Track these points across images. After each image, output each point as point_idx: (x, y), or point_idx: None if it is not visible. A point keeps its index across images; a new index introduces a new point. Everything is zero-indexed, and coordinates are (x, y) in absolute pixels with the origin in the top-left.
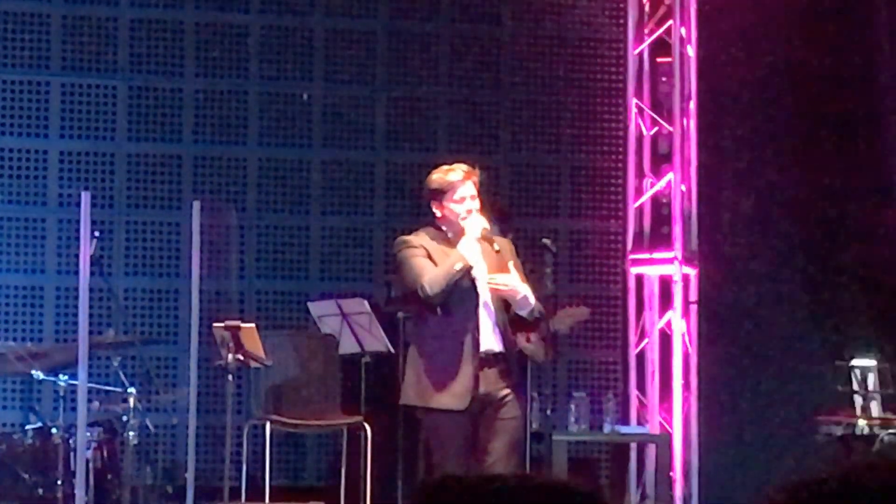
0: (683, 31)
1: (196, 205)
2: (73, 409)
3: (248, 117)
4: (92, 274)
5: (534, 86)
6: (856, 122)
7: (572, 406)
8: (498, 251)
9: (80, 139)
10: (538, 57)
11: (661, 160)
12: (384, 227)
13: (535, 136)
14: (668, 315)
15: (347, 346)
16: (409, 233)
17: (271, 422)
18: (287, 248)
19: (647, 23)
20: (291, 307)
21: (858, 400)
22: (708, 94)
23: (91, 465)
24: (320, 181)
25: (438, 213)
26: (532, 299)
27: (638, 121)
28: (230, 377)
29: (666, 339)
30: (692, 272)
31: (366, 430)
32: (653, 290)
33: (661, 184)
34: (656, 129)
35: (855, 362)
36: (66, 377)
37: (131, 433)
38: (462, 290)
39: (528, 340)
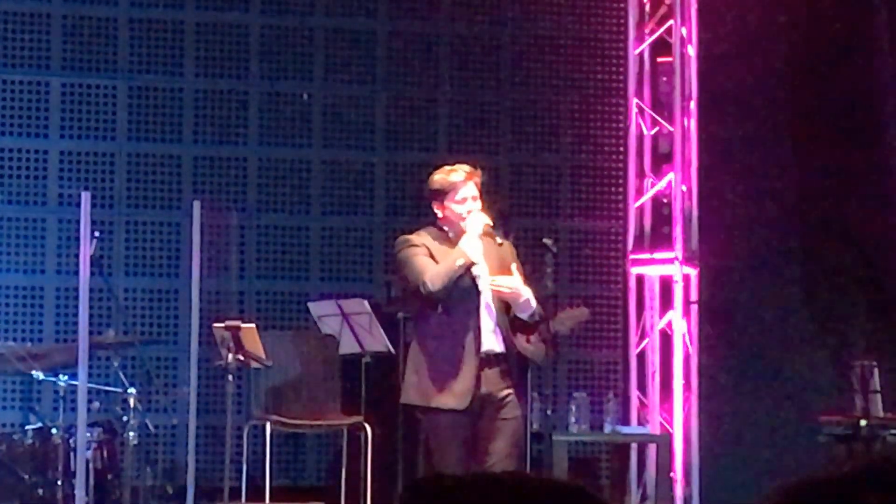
0: (684, 30)
1: (196, 205)
2: (73, 409)
3: (248, 117)
4: (92, 274)
5: (534, 86)
6: (856, 121)
7: (572, 406)
8: (501, 244)
9: (80, 139)
10: (538, 57)
11: (662, 160)
12: (384, 227)
13: (535, 136)
14: (669, 315)
15: (347, 346)
16: (410, 233)
17: (271, 422)
18: (287, 248)
19: (648, 22)
20: (291, 307)
21: (859, 399)
22: (708, 93)
23: (91, 465)
24: (320, 181)
25: (440, 214)
26: (533, 302)
27: (638, 121)
28: (230, 377)
29: (666, 339)
30: (693, 272)
31: (366, 430)
32: (653, 290)
33: (662, 184)
34: (657, 128)
35: (855, 362)
36: (66, 377)
37: (131, 433)
38: (463, 288)
39: (528, 341)
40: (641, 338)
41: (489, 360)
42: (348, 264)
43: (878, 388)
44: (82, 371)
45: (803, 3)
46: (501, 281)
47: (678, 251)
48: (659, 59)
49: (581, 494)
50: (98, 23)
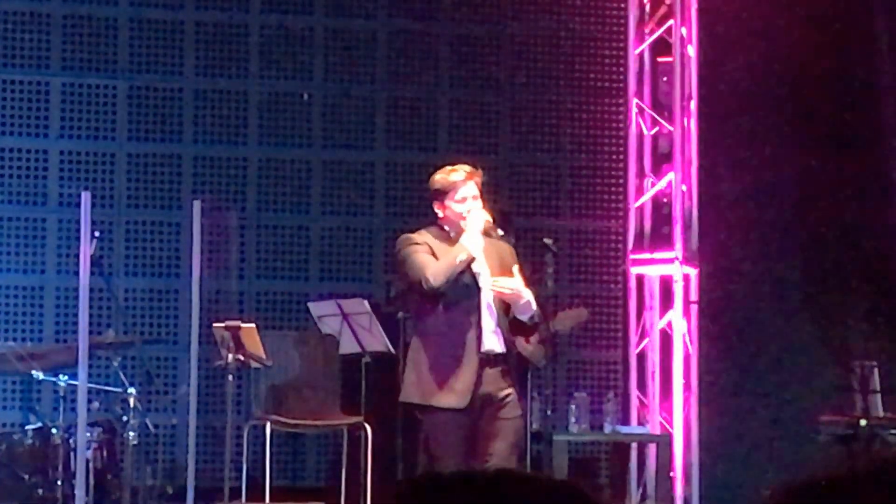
0: (684, 30)
1: (196, 205)
2: (73, 409)
3: (248, 117)
4: (92, 274)
5: (534, 86)
6: (856, 121)
7: (572, 406)
8: (502, 235)
9: (80, 139)
10: (538, 57)
11: (662, 160)
12: (384, 227)
13: (535, 136)
14: (669, 315)
15: (347, 346)
16: (411, 232)
17: (271, 422)
18: (287, 248)
19: (648, 22)
20: (291, 307)
21: (859, 400)
22: (708, 93)
23: (91, 465)
24: (320, 181)
25: (440, 214)
26: (534, 305)
27: (638, 120)
28: (230, 377)
29: (666, 339)
30: (693, 272)
31: (366, 430)
32: (653, 290)
33: (662, 184)
34: (657, 128)
35: (855, 362)
36: (66, 377)
37: (131, 433)
38: (463, 285)
39: (527, 342)
40: (641, 338)
41: (489, 359)
42: (348, 264)
43: (878, 388)
44: (82, 371)
45: (803, 3)
46: (503, 282)
47: (678, 251)
48: (659, 59)
49: (573, 492)
50: (98, 23)
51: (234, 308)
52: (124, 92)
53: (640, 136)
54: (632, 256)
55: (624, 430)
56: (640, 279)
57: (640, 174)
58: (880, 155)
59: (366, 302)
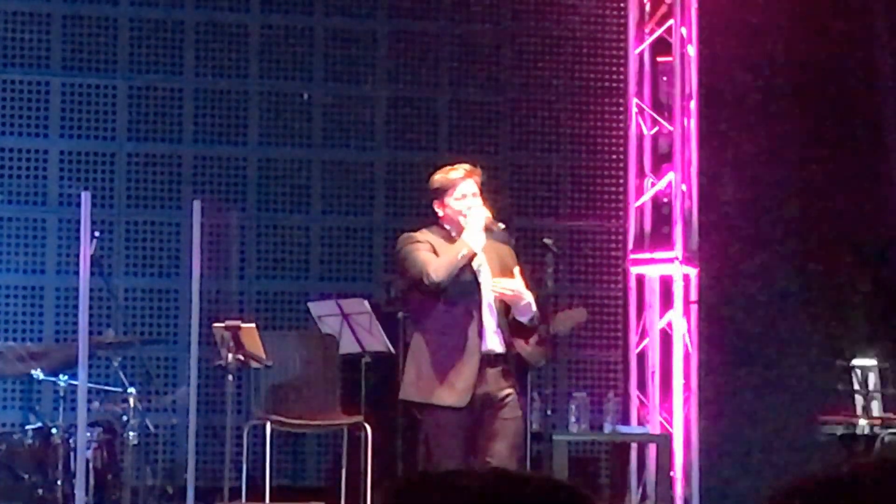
0: (684, 30)
1: (196, 205)
2: (73, 409)
3: (248, 117)
4: (92, 274)
5: (534, 86)
6: (856, 121)
7: (572, 406)
8: (504, 230)
9: (80, 139)
10: (538, 57)
11: (662, 160)
12: (384, 227)
13: (535, 136)
14: (669, 315)
15: (347, 346)
16: (412, 232)
17: (271, 422)
18: (287, 248)
19: (648, 22)
20: (291, 307)
21: (859, 400)
22: (708, 93)
23: (91, 465)
24: (320, 181)
25: (441, 213)
26: (534, 307)
27: (638, 120)
28: (230, 377)
29: (666, 338)
30: (693, 272)
31: (366, 430)
32: (653, 290)
33: (662, 184)
34: (657, 128)
35: (855, 362)
36: (66, 377)
37: (131, 433)
38: (464, 285)
39: (526, 343)
40: (641, 337)
41: (490, 359)
42: (348, 264)
43: (878, 388)
44: (82, 371)
45: (803, 2)
46: (504, 283)
47: (678, 251)
48: (659, 59)
49: (567, 492)
50: (98, 23)
51: (234, 308)
52: (124, 92)
53: (640, 136)
54: (632, 256)
55: (624, 430)
56: (640, 279)
57: (640, 174)
58: (880, 154)
59: (366, 302)
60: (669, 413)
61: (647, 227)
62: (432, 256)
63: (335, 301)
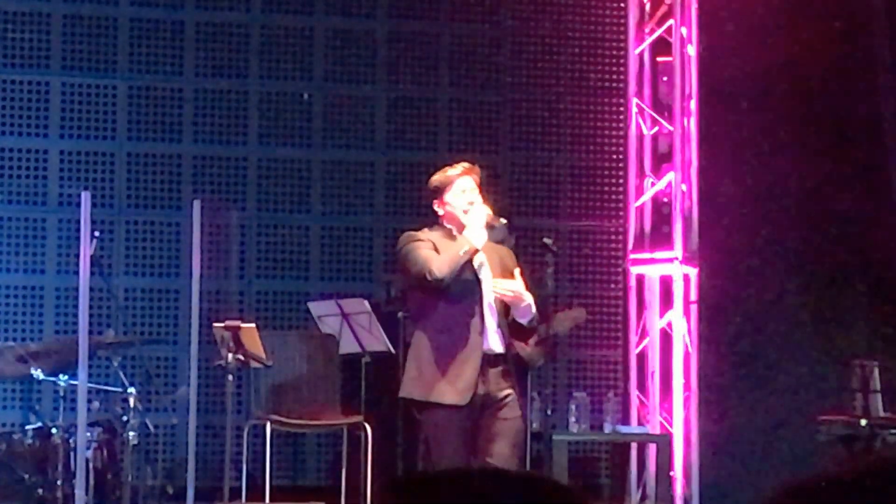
0: (684, 30)
1: (196, 205)
2: (73, 409)
3: (248, 117)
4: (92, 274)
5: (534, 86)
6: (856, 121)
7: (572, 406)
8: (506, 224)
9: (80, 139)
10: (538, 57)
11: (662, 160)
12: (384, 227)
13: (535, 136)
14: (669, 315)
15: (347, 346)
16: (414, 231)
17: (271, 422)
18: (287, 248)
19: (648, 22)
20: (291, 307)
21: (859, 399)
22: (709, 93)
23: (91, 465)
24: (320, 181)
25: (441, 211)
26: (534, 309)
27: (638, 120)
28: (230, 377)
29: (666, 338)
30: (693, 272)
31: (366, 430)
32: (653, 290)
33: (662, 183)
34: (657, 128)
35: (855, 362)
36: (66, 377)
37: (131, 433)
38: (466, 284)
39: (525, 344)
40: (641, 337)
41: (490, 359)
42: (348, 264)
43: (878, 388)
44: (82, 371)
45: (803, 2)
46: (505, 284)
47: (678, 251)
48: (659, 59)
49: (558, 491)
50: (98, 23)
51: (234, 308)
52: (124, 92)
53: (640, 136)
54: (632, 256)
55: (624, 430)
56: (640, 279)
57: (640, 174)
58: (880, 154)
59: (366, 302)
60: (669, 413)
61: (647, 227)
62: (434, 254)
63: (335, 301)
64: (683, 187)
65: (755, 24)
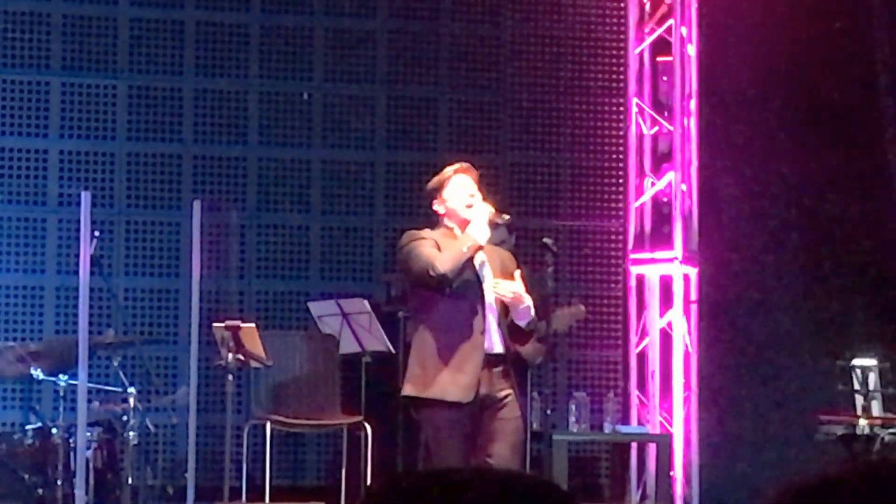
0: (684, 30)
1: (196, 205)
2: (73, 409)
3: (248, 117)
4: (92, 274)
5: (534, 86)
6: (856, 120)
7: (572, 406)
8: (509, 219)
9: (80, 139)
10: (538, 57)
11: (662, 159)
12: (384, 227)
13: (535, 136)
14: (669, 315)
15: (347, 346)
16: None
17: (271, 422)
18: (287, 248)
19: (648, 22)
20: (291, 307)
21: (859, 399)
22: (709, 93)
23: (91, 465)
24: (320, 181)
25: (441, 209)
26: (533, 311)
27: (638, 120)
28: (230, 377)
29: (667, 338)
30: (693, 272)
31: (366, 430)
32: (653, 290)
33: (662, 183)
34: (657, 128)
35: (855, 362)
36: (66, 377)
37: (131, 433)
38: (467, 283)
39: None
40: (641, 337)
41: (490, 359)
42: (348, 264)
43: (878, 388)
44: (82, 371)
45: (803, 2)
46: (505, 285)
47: (678, 251)
48: (659, 59)
49: (549, 491)
50: (98, 23)
51: (234, 308)
52: (124, 92)
53: (640, 135)
54: (632, 256)
55: (624, 429)
56: (640, 279)
57: (640, 174)
58: (880, 153)
59: (366, 302)
60: (669, 413)
61: (647, 226)
62: (437, 251)
63: (335, 301)
64: (683, 187)
65: (755, 23)
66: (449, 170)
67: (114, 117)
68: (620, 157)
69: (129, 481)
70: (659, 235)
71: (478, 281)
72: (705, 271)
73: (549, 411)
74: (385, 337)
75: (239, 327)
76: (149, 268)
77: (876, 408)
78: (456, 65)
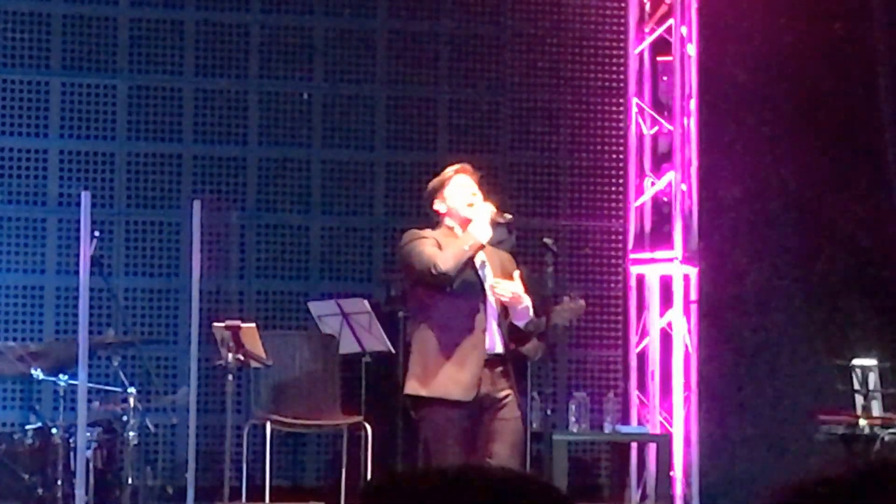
0: (684, 29)
1: (196, 204)
2: (73, 409)
3: (248, 117)
4: (92, 274)
5: (534, 86)
6: (856, 121)
7: (572, 406)
8: (510, 218)
9: (80, 139)
10: (538, 57)
11: (662, 159)
12: (384, 227)
13: (535, 136)
14: (669, 315)
15: (347, 346)
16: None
17: (271, 422)
18: (287, 248)
19: (648, 22)
20: (291, 307)
21: (859, 399)
22: (709, 93)
23: (91, 465)
24: (320, 181)
25: (442, 208)
26: (531, 312)
27: (638, 120)
28: (230, 377)
29: (667, 338)
30: (693, 271)
31: (366, 430)
32: (653, 290)
33: (662, 183)
34: (657, 128)
35: (855, 361)
36: (66, 377)
37: (131, 433)
38: (468, 283)
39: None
40: (641, 337)
41: (490, 359)
42: (348, 264)
43: (878, 388)
44: (82, 371)
45: (803, 2)
46: (504, 285)
47: (678, 251)
48: (659, 59)
49: (542, 489)
50: (98, 23)
51: (234, 308)
52: (124, 92)
53: (640, 135)
54: (632, 256)
55: (624, 429)
56: (640, 279)
57: (640, 174)
58: (880, 154)
59: (366, 302)
60: (669, 413)
61: (647, 226)
62: (437, 250)
63: (335, 301)
64: (683, 187)
65: (755, 24)
66: (450, 170)
67: (114, 117)
68: (620, 157)
69: (129, 481)
70: (659, 235)
71: (479, 281)
72: (705, 271)
73: (549, 411)
74: (385, 337)
75: (239, 327)
76: (149, 268)
77: (876, 408)
78: (456, 65)
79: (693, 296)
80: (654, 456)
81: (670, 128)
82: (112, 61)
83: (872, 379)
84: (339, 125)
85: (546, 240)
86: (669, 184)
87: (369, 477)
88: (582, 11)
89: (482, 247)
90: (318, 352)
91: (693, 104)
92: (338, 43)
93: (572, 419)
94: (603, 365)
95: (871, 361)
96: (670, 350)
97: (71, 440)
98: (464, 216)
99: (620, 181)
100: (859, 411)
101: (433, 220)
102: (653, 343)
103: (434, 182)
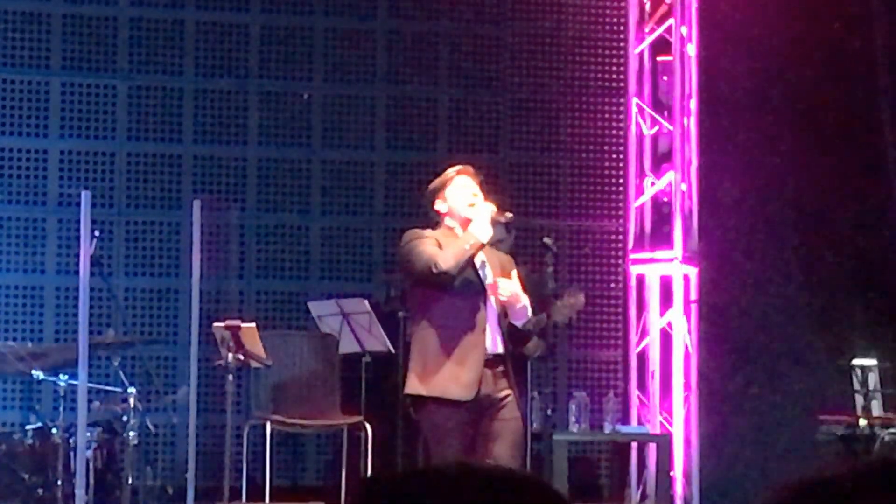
0: (684, 29)
1: (196, 204)
2: (73, 409)
3: (248, 117)
4: (92, 274)
5: (534, 86)
6: (856, 121)
7: (572, 406)
8: (511, 217)
9: (80, 139)
10: (538, 57)
11: (662, 159)
12: (383, 227)
13: (535, 136)
14: (669, 315)
15: (347, 346)
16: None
17: (271, 422)
18: (287, 248)
19: (648, 22)
20: (291, 307)
21: (859, 399)
22: (709, 93)
23: (91, 465)
24: (320, 181)
25: (443, 208)
26: (529, 312)
27: (638, 120)
28: (230, 377)
29: (666, 338)
30: (693, 271)
31: (366, 430)
32: (653, 290)
33: (662, 183)
34: (657, 128)
35: (855, 362)
36: (66, 377)
37: (131, 433)
38: (469, 283)
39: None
40: (641, 337)
41: (490, 359)
42: (348, 264)
43: (878, 388)
44: (82, 371)
45: (803, 2)
46: (504, 284)
47: (678, 251)
48: (659, 59)
49: (537, 487)
50: (98, 23)
51: (234, 308)
52: (124, 92)
53: (640, 135)
54: (632, 256)
55: (624, 429)
56: (640, 279)
57: (640, 174)
58: (880, 154)
59: (366, 302)
60: (669, 413)
61: (647, 226)
62: (438, 249)
63: (335, 301)
64: (683, 187)
65: (755, 23)
66: (452, 171)
67: (114, 117)
68: (620, 156)
69: (129, 481)
70: (659, 235)
71: (479, 280)
72: (705, 271)
73: (549, 411)
74: (385, 337)
75: (239, 327)
76: (149, 268)
77: (876, 408)
78: (456, 65)
79: (693, 296)
80: (654, 456)
81: (670, 128)
82: (112, 61)
83: (872, 379)
84: (339, 125)
85: (546, 240)
86: (669, 184)
87: (368, 475)
88: (582, 11)
89: (483, 246)
90: (318, 352)
91: (693, 104)
92: (338, 43)
93: (572, 419)
94: (603, 365)
95: (871, 361)
96: (670, 350)
97: (71, 440)
98: (464, 216)
99: (620, 181)
100: (859, 411)
101: (433, 220)
102: (653, 343)
103: (435, 182)
